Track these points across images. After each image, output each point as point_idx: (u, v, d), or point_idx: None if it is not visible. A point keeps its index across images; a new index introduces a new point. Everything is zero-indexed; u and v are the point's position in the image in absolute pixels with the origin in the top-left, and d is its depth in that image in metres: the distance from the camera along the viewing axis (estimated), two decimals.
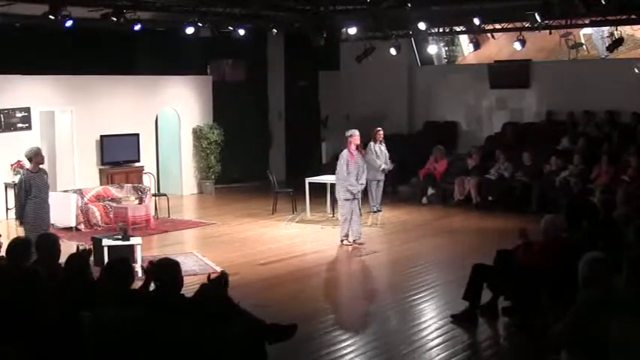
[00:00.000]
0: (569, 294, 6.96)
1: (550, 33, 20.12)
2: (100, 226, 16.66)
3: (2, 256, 8.19)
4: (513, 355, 9.19)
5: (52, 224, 14.83)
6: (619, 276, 6.29)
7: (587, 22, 19.32)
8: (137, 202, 17.33)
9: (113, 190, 17.67)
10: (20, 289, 6.95)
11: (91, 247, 12.01)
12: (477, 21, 18.25)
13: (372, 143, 17.48)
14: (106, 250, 12.02)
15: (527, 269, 9.38)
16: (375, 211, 17.69)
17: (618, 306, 5.99)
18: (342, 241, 14.85)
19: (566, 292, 7.45)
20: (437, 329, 9.62)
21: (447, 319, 9.88)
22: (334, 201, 17.42)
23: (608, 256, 6.52)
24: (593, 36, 21.39)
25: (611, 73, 20.28)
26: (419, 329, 9.73)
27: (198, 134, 22.13)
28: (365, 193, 16.12)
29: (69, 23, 15.85)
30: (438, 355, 8.72)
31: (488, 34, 21.55)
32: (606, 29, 20.26)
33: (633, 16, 18.27)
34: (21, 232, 11.91)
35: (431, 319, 10.13)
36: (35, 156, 11.92)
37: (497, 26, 20.24)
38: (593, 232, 9.57)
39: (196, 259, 13.57)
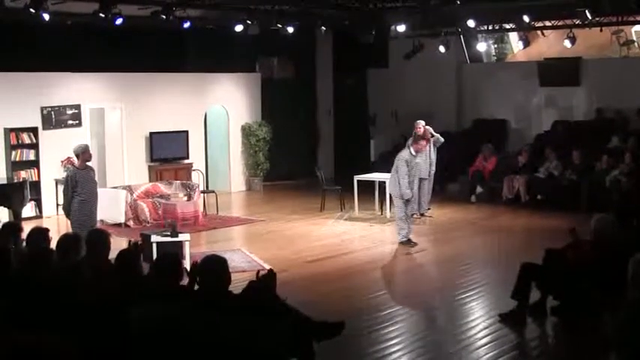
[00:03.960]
0: (619, 294, 6.88)
1: (601, 30, 19.86)
2: (148, 223, 16.76)
3: (52, 249, 8.26)
4: (562, 355, 9.12)
5: (102, 220, 15.02)
6: None
7: (638, 18, 19.06)
8: (186, 198, 17.46)
9: (162, 187, 17.80)
10: (64, 285, 7.01)
11: (142, 241, 12.01)
12: (526, 18, 18.14)
13: (410, 140, 16.96)
14: (154, 246, 12.09)
15: (577, 268, 9.29)
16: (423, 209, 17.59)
17: None
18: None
19: (616, 292, 7.37)
20: (484, 328, 9.57)
21: (494, 318, 9.81)
22: (382, 199, 17.46)
23: None
24: None
25: None
26: (466, 328, 9.68)
27: (246, 131, 22.23)
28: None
29: (119, 21, 16.03)
30: (486, 354, 8.66)
31: (538, 32, 21.38)
32: None
33: None
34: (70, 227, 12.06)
35: (479, 318, 10.09)
36: (83, 153, 12.01)
37: (547, 23, 20.10)
38: None
39: (244, 256, 13.63)
